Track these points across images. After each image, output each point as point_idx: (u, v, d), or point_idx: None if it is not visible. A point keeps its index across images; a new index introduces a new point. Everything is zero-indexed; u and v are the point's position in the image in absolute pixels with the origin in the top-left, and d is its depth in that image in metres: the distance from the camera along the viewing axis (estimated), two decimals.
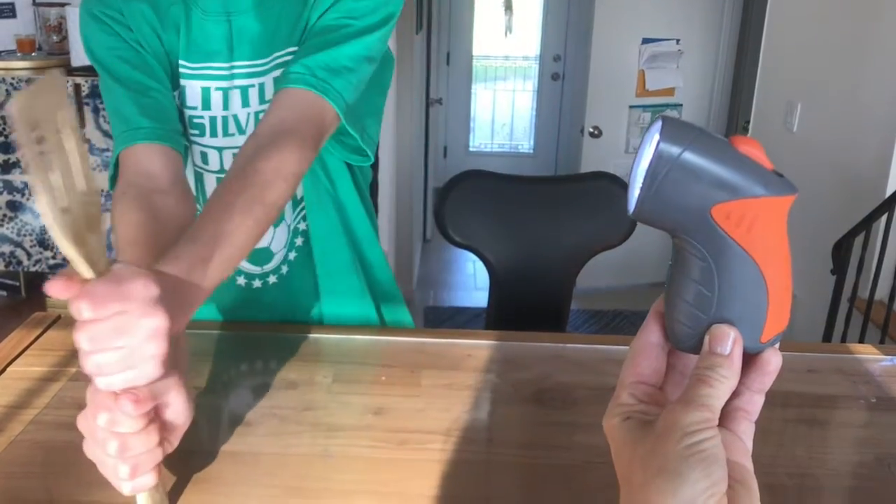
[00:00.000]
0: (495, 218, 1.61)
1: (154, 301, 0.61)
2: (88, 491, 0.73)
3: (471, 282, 4.49)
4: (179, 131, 1.00)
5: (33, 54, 2.89)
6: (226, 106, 1.02)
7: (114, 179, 0.96)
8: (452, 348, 1.03)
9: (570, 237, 1.62)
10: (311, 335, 1.05)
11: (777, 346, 0.46)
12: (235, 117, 1.03)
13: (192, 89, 1.02)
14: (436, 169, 5.41)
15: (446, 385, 0.94)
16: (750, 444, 0.46)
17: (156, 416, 0.66)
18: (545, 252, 1.61)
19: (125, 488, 0.66)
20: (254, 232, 0.78)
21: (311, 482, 0.76)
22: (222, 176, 1.04)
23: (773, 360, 0.45)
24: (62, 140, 0.55)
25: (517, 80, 6.29)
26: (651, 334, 0.48)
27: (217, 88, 1.01)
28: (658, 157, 0.41)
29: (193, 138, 1.04)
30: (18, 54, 2.85)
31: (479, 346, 1.03)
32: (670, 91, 4.06)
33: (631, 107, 4.04)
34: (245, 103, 1.02)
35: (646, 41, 3.94)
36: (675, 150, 0.41)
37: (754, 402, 0.46)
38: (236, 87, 1.01)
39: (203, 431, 0.83)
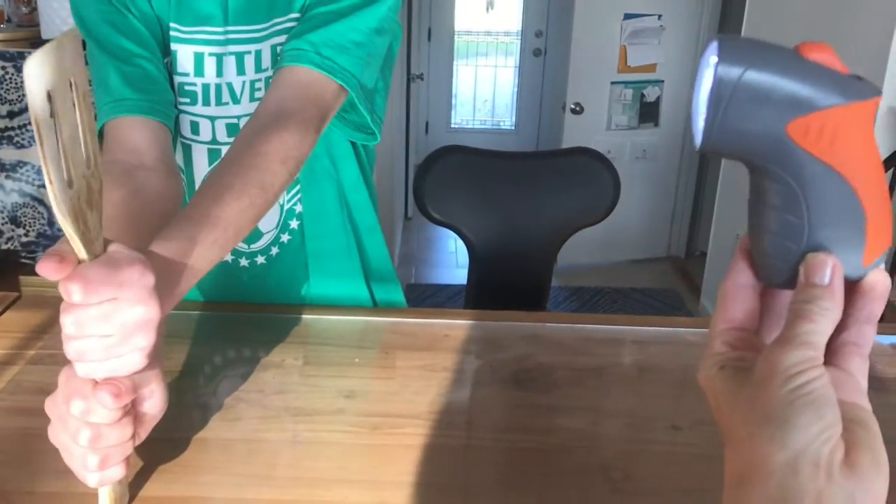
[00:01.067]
0: (475, 195, 1.58)
1: (149, 290, 0.57)
2: (45, 481, 0.69)
3: (452, 259, 4.46)
4: (167, 103, 0.95)
5: (2, 26, 2.80)
6: (219, 73, 0.97)
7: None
8: (429, 328, 1.00)
9: (551, 214, 1.59)
10: (282, 315, 1.02)
11: (882, 267, 0.41)
12: (230, 85, 0.98)
13: (185, 54, 0.96)
14: (417, 145, 5.36)
15: (421, 367, 0.91)
16: (864, 382, 0.41)
17: (132, 408, 0.63)
18: (525, 229, 1.58)
19: (91, 480, 0.62)
20: (250, 215, 0.75)
21: (281, 470, 0.73)
22: (214, 147, 1.00)
23: (879, 284, 0.41)
24: (72, 107, 0.50)
25: (499, 56, 6.23)
26: (740, 275, 0.44)
27: (211, 54, 0.96)
28: (719, 81, 0.38)
29: (183, 107, 0.99)
30: None
31: (456, 326, 1.00)
32: (652, 67, 4.03)
33: (612, 83, 4.00)
34: (240, 71, 0.97)
35: (627, 17, 3.90)
36: (735, 70, 0.37)
37: (864, 335, 0.41)
38: (231, 52, 0.96)
39: (168, 417, 0.79)
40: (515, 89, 6.01)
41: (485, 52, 6.28)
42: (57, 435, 0.62)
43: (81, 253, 0.55)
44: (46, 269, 0.53)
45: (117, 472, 0.63)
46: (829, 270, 0.40)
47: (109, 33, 0.93)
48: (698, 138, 0.40)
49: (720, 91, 0.38)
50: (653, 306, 3.81)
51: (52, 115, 0.47)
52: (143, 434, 0.66)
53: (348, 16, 0.90)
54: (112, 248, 0.58)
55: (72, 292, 0.54)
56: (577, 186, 1.61)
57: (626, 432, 0.81)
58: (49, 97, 0.47)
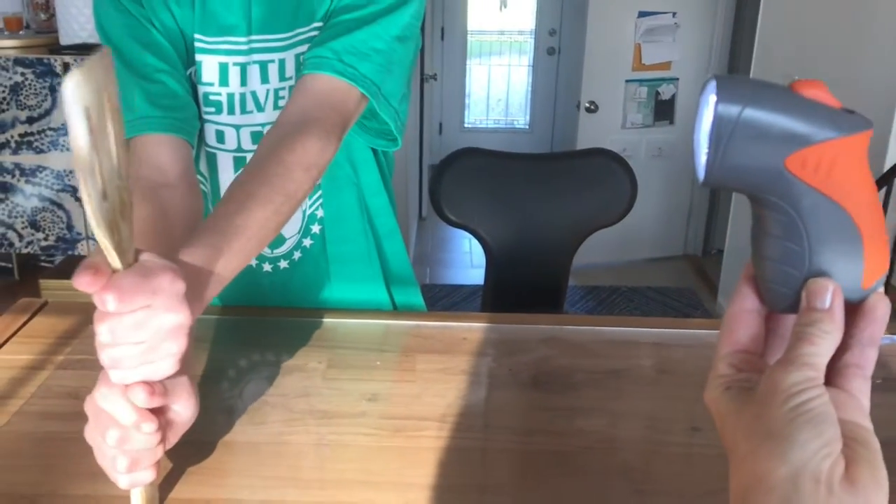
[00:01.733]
0: (491, 196, 1.59)
1: (180, 297, 0.59)
2: (78, 483, 0.71)
3: (467, 259, 4.47)
4: (190, 118, 0.96)
5: (21, 32, 2.83)
6: (244, 82, 0.99)
7: None
8: (448, 331, 1.01)
9: (568, 215, 1.60)
10: (306, 319, 1.03)
11: (882, 290, 0.43)
12: (254, 94, 0.99)
13: (209, 64, 0.98)
14: (431, 146, 5.37)
15: (441, 370, 0.92)
16: (866, 402, 0.42)
17: (161, 413, 0.64)
18: (542, 230, 1.59)
19: (122, 481, 0.64)
20: (274, 223, 0.77)
21: (306, 472, 0.75)
22: (239, 155, 1.02)
23: (879, 306, 0.43)
24: (106, 123, 0.52)
25: (512, 55, 6.23)
26: (745, 300, 0.46)
27: (235, 64, 0.98)
28: (719, 119, 0.39)
29: (208, 116, 1.01)
30: (6, 32, 2.80)
31: (475, 329, 1.02)
32: (667, 65, 4.03)
33: (627, 81, 4.00)
34: (264, 79, 0.98)
35: (642, 14, 3.89)
36: (734, 108, 0.39)
37: (866, 356, 0.43)
38: (255, 62, 0.98)
39: (196, 421, 0.81)
40: (529, 88, 6.00)
41: (498, 51, 6.28)
42: (93, 435, 0.63)
43: (116, 263, 0.56)
44: (82, 282, 0.54)
45: (147, 475, 0.64)
46: (829, 295, 0.42)
47: (133, 48, 0.95)
48: (701, 173, 0.41)
49: (720, 128, 0.40)
50: (670, 305, 3.80)
51: (90, 131, 0.49)
52: (174, 439, 0.67)
53: (370, 23, 0.91)
54: (143, 256, 0.59)
55: (107, 301, 0.55)
56: (594, 187, 1.61)
57: (645, 434, 0.82)
58: (87, 114, 0.49)
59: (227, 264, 0.70)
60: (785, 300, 0.44)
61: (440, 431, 0.81)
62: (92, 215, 0.51)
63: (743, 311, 0.46)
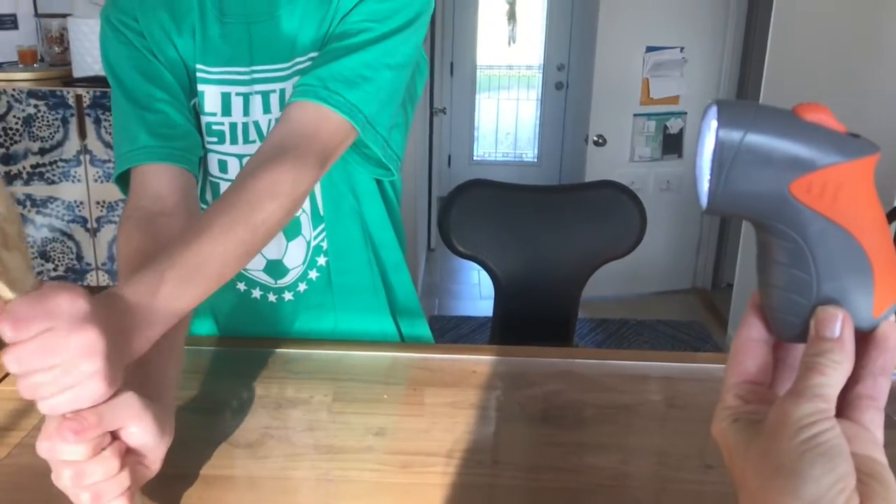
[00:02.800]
0: (499, 228, 1.59)
1: (83, 317, 0.57)
2: None
3: (475, 291, 4.46)
4: (190, 147, 0.96)
5: (35, 65, 2.87)
6: (246, 112, 0.99)
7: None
8: (456, 364, 1.00)
9: (577, 247, 1.59)
10: (311, 351, 1.02)
11: (893, 318, 0.42)
12: (256, 123, 0.99)
13: (211, 94, 0.98)
14: (440, 178, 5.39)
15: (449, 403, 0.91)
16: (880, 435, 0.41)
17: (114, 441, 0.63)
18: (550, 262, 1.58)
19: None
20: (237, 251, 0.74)
21: None
22: None
23: (891, 335, 0.41)
24: None
25: (521, 89, 6.27)
26: (752, 329, 0.45)
27: (237, 94, 0.98)
28: (720, 145, 0.39)
29: (211, 146, 1.01)
30: (20, 65, 2.84)
31: (484, 362, 1.00)
32: (675, 99, 4.04)
33: (635, 115, 4.01)
34: (266, 109, 0.98)
35: (650, 49, 3.92)
36: (736, 134, 0.39)
37: (879, 387, 0.41)
38: (256, 92, 0.98)
39: (196, 454, 0.79)
40: (538, 122, 6.03)
41: (507, 85, 6.32)
42: (56, 479, 0.62)
43: (6, 293, 0.57)
44: None
45: None
46: (838, 324, 0.40)
47: (135, 79, 0.95)
48: (704, 200, 0.41)
49: (723, 154, 0.39)
50: (679, 339, 3.77)
51: None
52: (152, 465, 0.66)
53: (360, 51, 0.90)
54: (46, 285, 0.59)
55: (5, 331, 0.55)
56: (602, 219, 1.61)
57: (656, 470, 0.80)
58: None
59: (179, 293, 0.68)
60: (793, 329, 0.43)
61: (448, 467, 0.79)
62: None
63: (750, 341, 0.45)
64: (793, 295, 0.42)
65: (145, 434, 0.64)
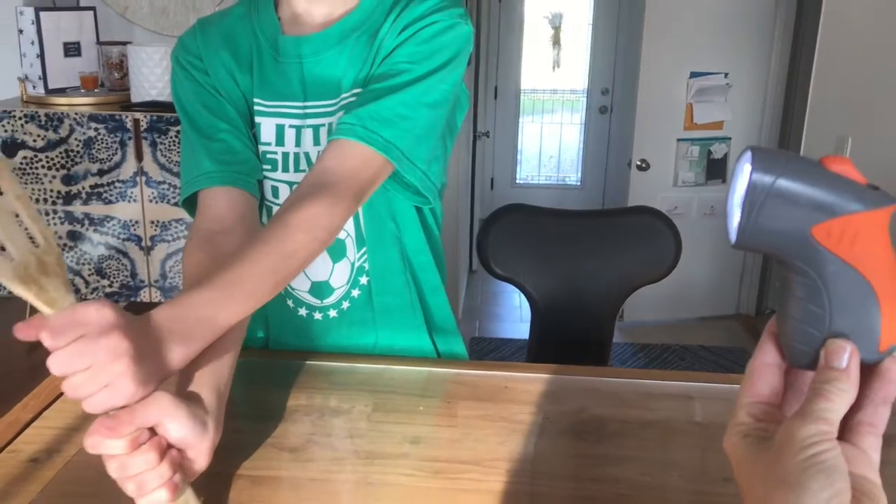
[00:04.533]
0: (537, 251, 1.63)
1: (109, 324, 0.66)
2: None
3: (516, 314, 4.49)
4: (250, 171, 1.05)
5: (96, 90, 3.01)
6: (298, 143, 1.07)
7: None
8: (490, 379, 1.05)
9: (612, 272, 1.62)
10: (353, 364, 1.08)
11: None
12: (307, 154, 1.07)
13: (267, 126, 1.07)
14: (482, 200, 5.44)
15: (482, 416, 0.95)
16: (877, 459, 0.45)
17: (152, 437, 0.70)
18: (586, 286, 1.62)
19: None
20: (268, 279, 0.82)
21: None
22: None
23: (893, 369, 0.46)
24: (9, 214, 0.68)
25: (564, 112, 6.30)
26: (767, 354, 0.50)
27: (291, 126, 1.06)
28: (752, 187, 0.43)
29: (266, 173, 1.09)
30: (82, 90, 2.98)
31: (516, 379, 1.05)
32: (719, 125, 4.04)
33: (679, 140, 4.02)
34: (316, 141, 1.06)
35: (694, 75, 3.93)
36: (768, 178, 0.43)
37: (879, 415, 0.46)
38: (308, 125, 1.06)
39: (245, 456, 0.86)
40: (581, 146, 6.06)
41: (550, 109, 6.36)
42: (107, 469, 0.70)
43: (45, 310, 0.67)
44: (21, 332, 0.65)
45: (162, 495, 0.70)
46: (846, 356, 0.45)
47: (201, 112, 1.05)
48: (733, 236, 0.45)
49: (754, 196, 0.43)
50: (722, 364, 3.75)
51: None
52: (200, 460, 0.73)
53: (399, 91, 0.96)
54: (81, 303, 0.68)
55: (43, 340, 0.65)
56: (637, 245, 1.64)
57: (675, 482, 0.84)
58: None
59: (214, 311, 0.76)
60: (805, 357, 0.47)
61: (479, 474, 0.84)
62: (1, 276, 0.65)
63: (764, 365, 0.50)
64: (807, 326, 0.46)
65: (181, 429, 0.71)
